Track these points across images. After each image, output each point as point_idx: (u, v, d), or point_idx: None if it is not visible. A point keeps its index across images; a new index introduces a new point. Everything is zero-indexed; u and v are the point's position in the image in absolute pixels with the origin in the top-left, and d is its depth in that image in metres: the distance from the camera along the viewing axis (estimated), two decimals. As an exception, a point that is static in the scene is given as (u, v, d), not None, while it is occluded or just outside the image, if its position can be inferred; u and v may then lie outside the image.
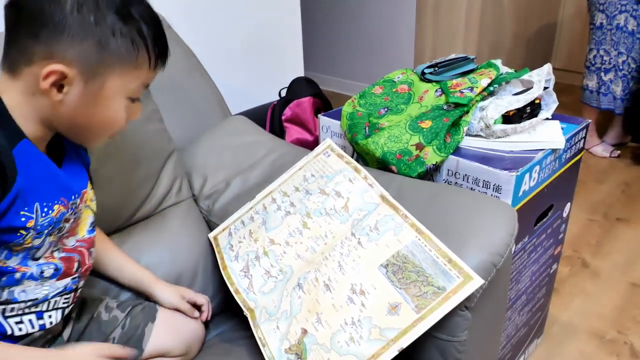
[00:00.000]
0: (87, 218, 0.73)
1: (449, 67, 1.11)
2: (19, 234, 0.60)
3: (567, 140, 1.01)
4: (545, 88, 1.08)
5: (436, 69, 1.12)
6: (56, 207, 0.63)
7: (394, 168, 0.98)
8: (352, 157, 1.13)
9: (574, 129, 1.04)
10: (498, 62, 1.10)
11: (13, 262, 0.62)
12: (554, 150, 0.98)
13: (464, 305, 0.71)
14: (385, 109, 1.10)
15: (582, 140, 1.09)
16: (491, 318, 0.82)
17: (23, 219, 0.59)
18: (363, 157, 1.07)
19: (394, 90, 1.15)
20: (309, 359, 0.73)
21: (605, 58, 2.21)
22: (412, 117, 1.02)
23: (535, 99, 1.05)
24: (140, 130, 0.95)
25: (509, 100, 0.99)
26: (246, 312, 0.84)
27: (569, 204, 1.17)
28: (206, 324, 0.93)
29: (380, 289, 0.73)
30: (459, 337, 0.73)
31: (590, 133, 2.38)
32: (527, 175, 0.92)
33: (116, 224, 0.93)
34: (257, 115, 1.52)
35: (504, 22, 2.81)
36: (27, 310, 0.65)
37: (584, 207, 2.00)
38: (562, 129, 1.03)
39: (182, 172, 1.06)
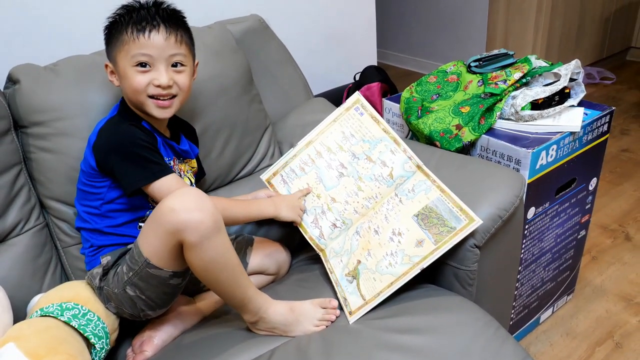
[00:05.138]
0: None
1: (491, 61, 1.33)
2: None
3: (587, 125, 1.21)
4: (574, 80, 1.28)
5: (481, 62, 1.35)
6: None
7: (437, 143, 1.24)
8: (408, 134, 1.41)
9: (595, 115, 1.23)
10: (533, 57, 1.31)
11: None
12: (572, 133, 1.19)
13: (473, 244, 0.98)
14: (437, 95, 1.36)
15: (606, 125, 1.28)
16: (502, 258, 1.08)
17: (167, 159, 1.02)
18: (415, 133, 1.33)
19: (445, 79, 1.39)
20: (361, 279, 1.03)
21: None
22: (456, 103, 1.27)
23: (565, 88, 1.26)
24: (246, 109, 1.27)
25: (536, 91, 1.21)
26: (319, 252, 1.15)
27: (595, 179, 1.36)
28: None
29: (411, 230, 1.01)
30: (469, 267, 1.00)
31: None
32: (543, 152, 1.14)
33: (228, 179, 1.27)
34: (334, 96, 1.82)
35: (584, 2, 2.85)
36: None
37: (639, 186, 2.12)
38: (586, 115, 1.23)
39: (275, 141, 1.38)
